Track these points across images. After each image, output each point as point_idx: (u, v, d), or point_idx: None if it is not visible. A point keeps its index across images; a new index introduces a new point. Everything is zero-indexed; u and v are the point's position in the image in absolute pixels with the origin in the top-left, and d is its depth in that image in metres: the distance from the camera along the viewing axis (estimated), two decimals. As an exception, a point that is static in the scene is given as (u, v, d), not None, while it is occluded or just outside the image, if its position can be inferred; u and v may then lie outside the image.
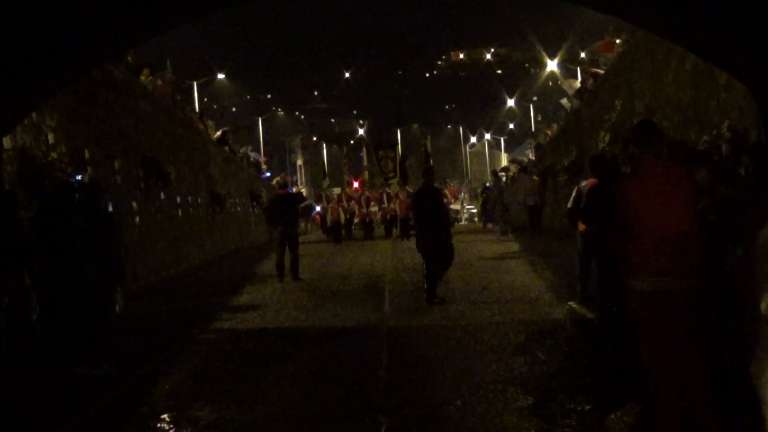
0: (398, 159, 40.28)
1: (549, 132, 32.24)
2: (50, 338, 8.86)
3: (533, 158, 35.88)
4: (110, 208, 13.58)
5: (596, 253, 9.86)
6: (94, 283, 8.71)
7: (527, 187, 28.14)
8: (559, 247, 18.14)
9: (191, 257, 21.09)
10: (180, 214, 20.72)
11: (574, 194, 11.24)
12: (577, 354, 8.46)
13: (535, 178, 28.29)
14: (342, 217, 29.90)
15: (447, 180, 45.95)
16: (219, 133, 31.12)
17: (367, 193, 33.65)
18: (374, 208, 31.69)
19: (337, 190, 36.17)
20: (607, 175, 9.23)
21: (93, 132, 14.47)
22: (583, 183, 10.92)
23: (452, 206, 37.07)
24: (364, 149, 45.54)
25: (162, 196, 18.81)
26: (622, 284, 5.66)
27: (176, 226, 20.06)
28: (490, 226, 30.36)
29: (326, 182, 43.49)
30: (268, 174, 43.02)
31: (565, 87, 28.28)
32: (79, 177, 12.91)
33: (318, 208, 34.59)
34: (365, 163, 43.80)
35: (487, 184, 34.43)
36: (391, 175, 40.06)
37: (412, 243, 22.19)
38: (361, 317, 11.79)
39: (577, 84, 26.34)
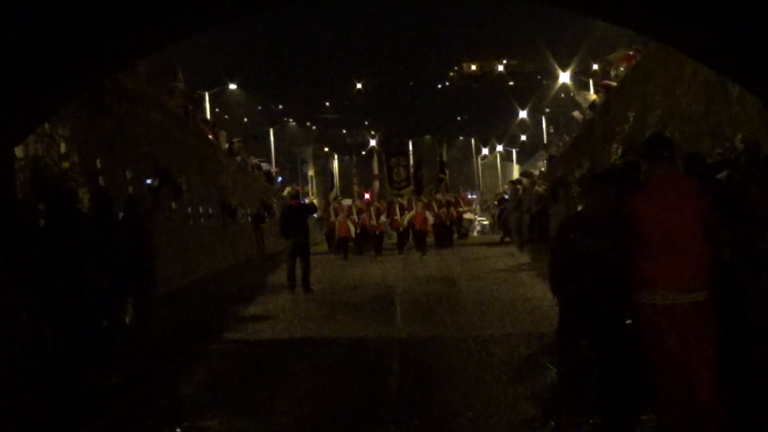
0: (411, 168, 39.65)
1: (561, 144, 32.21)
2: (60, 348, 8.88)
3: (543, 170, 35.83)
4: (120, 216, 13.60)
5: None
6: (103, 293, 8.72)
7: (532, 198, 27.97)
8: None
9: (202, 267, 21.13)
10: (191, 224, 20.76)
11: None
12: (589, 367, 8.42)
13: (537, 188, 28.14)
14: (352, 231, 28.44)
15: (460, 187, 45.10)
16: (230, 143, 31.24)
17: (376, 203, 32.91)
18: (384, 219, 30.40)
19: (347, 202, 35.45)
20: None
21: (105, 142, 14.53)
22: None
23: (466, 216, 36.71)
24: (375, 158, 44.31)
25: (173, 205, 18.86)
26: (632, 298, 5.63)
27: (187, 236, 20.10)
28: (508, 239, 29.84)
29: (334, 193, 42.43)
30: (280, 179, 42.74)
31: (578, 99, 28.21)
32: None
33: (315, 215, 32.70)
34: (376, 171, 42.54)
35: (505, 196, 33.99)
36: (403, 184, 38.98)
37: (426, 256, 22.24)
38: (373, 328, 11.78)
39: (591, 96, 26.31)
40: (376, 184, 41.53)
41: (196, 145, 22.96)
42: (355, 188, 41.83)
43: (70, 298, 8.57)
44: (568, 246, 6.25)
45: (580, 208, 10.32)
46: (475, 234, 45.09)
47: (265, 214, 32.50)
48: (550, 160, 33.42)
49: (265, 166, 42.05)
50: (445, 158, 40.82)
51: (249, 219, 28.39)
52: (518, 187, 27.82)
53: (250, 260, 26.75)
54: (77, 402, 7.92)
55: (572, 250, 6.19)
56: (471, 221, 41.05)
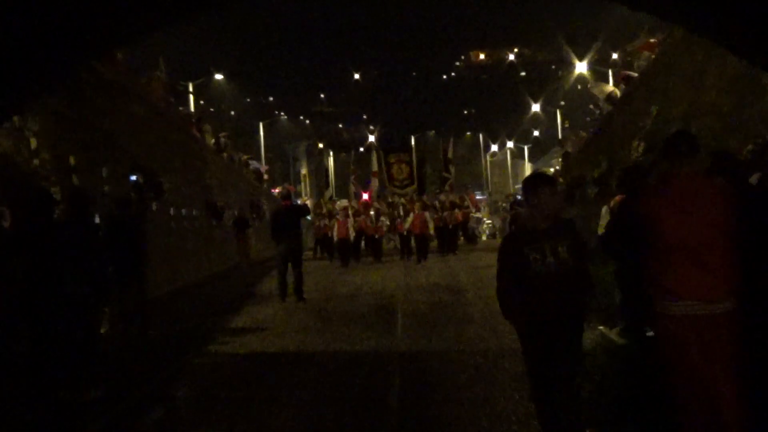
0: (414, 166, 39.33)
1: (577, 139, 32.21)
2: (34, 362, 8.89)
3: (558, 169, 35.82)
4: (97, 220, 13.63)
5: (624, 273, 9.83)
6: (82, 302, 8.73)
7: None
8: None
9: (186, 274, 21.15)
10: (173, 226, 20.79)
11: (603, 213, 11.18)
12: (608, 383, 8.44)
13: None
14: (351, 234, 28.00)
15: (468, 187, 44.50)
16: (216, 139, 31.28)
17: (375, 204, 32.57)
18: (384, 221, 30.38)
19: (343, 203, 35.11)
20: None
21: (79, 137, 14.55)
22: (612, 202, 10.83)
23: (474, 215, 36.47)
24: (374, 154, 43.76)
25: (154, 207, 18.87)
26: (652, 309, 5.62)
27: (169, 240, 20.12)
28: None
29: (329, 193, 42.17)
30: (277, 191, 42.31)
31: (595, 91, 28.31)
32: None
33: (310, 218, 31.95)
34: (374, 169, 41.90)
35: (518, 197, 33.67)
36: (405, 183, 38.47)
37: (429, 263, 22.19)
38: (371, 341, 11.80)
39: (609, 88, 26.37)
40: (375, 182, 41.11)
41: (179, 140, 22.99)
42: (352, 188, 41.35)
43: (45, 308, 8.57)
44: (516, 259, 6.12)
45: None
46: (484, 238, 44.92)
47: (254, 215, 32.46)
48: (566, 157, 33.47)
49: (254, 163, 42.09)
50: (450, 155, 40.56)
51: (232, 223, 27.71)
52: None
53: (238, 266, 26.76)
54: (52, 420, 7.94)
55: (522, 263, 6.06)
56: (479, 220, 40.58)
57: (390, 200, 33.93)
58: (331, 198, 38.77)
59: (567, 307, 6.03)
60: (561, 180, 28.26)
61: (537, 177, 6.50)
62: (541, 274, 5.95)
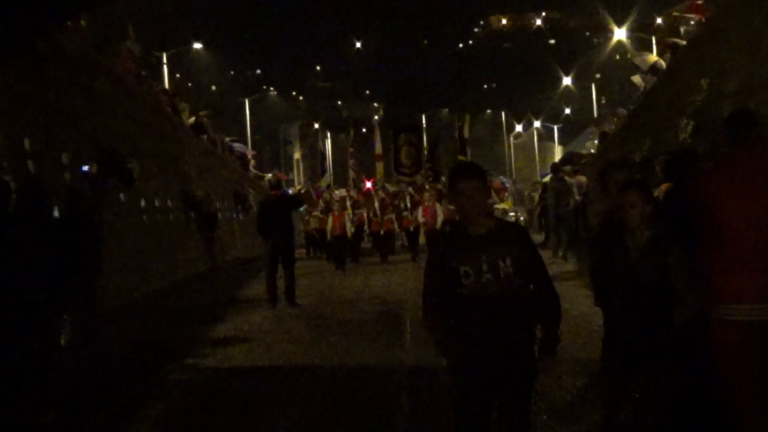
0: (425, 148, 38.77)
1: (615, 118, 32.17)
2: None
3: (594, 152, 35.75)
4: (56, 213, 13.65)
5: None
6: (37, 308, 8.73)
7: (571, 190, 27.38)
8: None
9: (159, 276, 21.18)
10: (145, 220, 20.81)
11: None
12: (648, 405, 8.41)
13: (579, 177, 27.66)
14: (349, 230, 27.28)
15: (492, 172, 42.48)
16: (195, 118, 31.30)
17: (381, 193, 31.78)
18: (390, 214, 29.38)
19: (341, 192, 34.52)
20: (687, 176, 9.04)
21: (36, 118, 14.57)
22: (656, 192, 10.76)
23: (498, 206, 35.53)
24: (377, 134, 42.72)
25: (122, 198, 18.90)
26: (705, 313, 5.56)
27: (140, 236, 20.16)
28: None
29: (325, 180, 41.37)
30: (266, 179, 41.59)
31: (637, 61, 28.19)
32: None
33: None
34: (378, 151, 40.82)
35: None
36: (414, 169, 37.70)
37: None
38: (375, 353, 11.81)
39: (653, 57, 26.28)
40: (380, 168, 40.18)
41: (152, 121, 23.01)
42: (351, 174, 40.47)
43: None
44: (615, 242, 6.09)
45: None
46: None
47: (239, 208, 32.44)
48: (602, 139, 33.42)
49: (238, 147, 42.08)
50: (467, 136, 39.82)
51: (196, 220, 26.44)
52: (559, 175, 26.93)
53: (222, 266, 26.80)
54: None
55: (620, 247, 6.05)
56: (503, 212, 39.55)
57: (392, 189, 32.61)
58: (328, 187, 37.95)
59: (510, 343, 5.30)
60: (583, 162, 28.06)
61: (459, 167, 5.76)
62: (477, 296, 5.26)
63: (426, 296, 5.48)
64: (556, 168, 27.86)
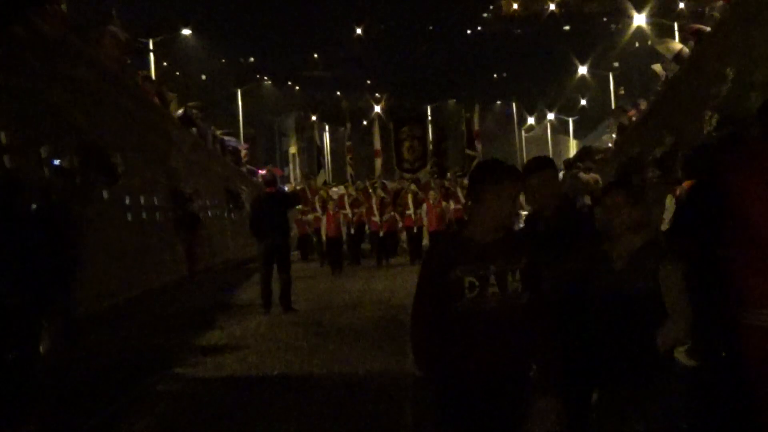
0: (430, 142, 38.25)
1: (634, 110, 32.12)
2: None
3: (611, 146, 35.70)
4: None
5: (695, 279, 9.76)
6: (12, 314, 8.72)
7: (578, 189, 27.10)
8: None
9: (145, 279, 21.16)
10: (130, 219, 20.80)
11: (668, 204, 11.11)
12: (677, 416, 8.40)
13: (585, 175, 27.45)
14: (344, 231, 27.46)
15: None
16: (183, 109, 31.29)
17: (381, 191, 31.50)
18: (390, 213, 29.06)
19: (338, 190, 34.11)
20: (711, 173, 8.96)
21: (11, 108, 14.55)
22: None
23: None
24: (377, 126, 41.91)
25: (105, 195, 18.87)
26: (737, 320, 5.51)
27: (125, 236, 20.14)
28: None
29: (321, 176, 40.70)
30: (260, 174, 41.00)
31: (660, 49, 28.06)
32: None
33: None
34: (377, 147, 40.01)
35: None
36: (418, 164, 37.12)
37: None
38: (378, 362, 11.80)
39: (678, 45, 26.20)
40: (378, 163, 39.49)
41: (137, 112, 22.99)
42: (349, 170, 40.08)
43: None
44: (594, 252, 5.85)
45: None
46: None
47: (230, 206, 32.36)
48: (620, 132, 33.38)
49: (230, 140, 42.07)
50: (476, 126, 39.29)
51: (175, 221, 25.21)
52: (573, 171, 26.76)
53: (213, 268, 26.78)
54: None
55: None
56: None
57: (392, 186, 31.95)
58: (325, 183, 37.53)
59: (509, 366, 5.04)
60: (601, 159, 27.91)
61: (492, 165, 5.25)
62: (477, 312, 4.94)
63: (417, 314, 5.16)
64: (569, 165, 27.75)
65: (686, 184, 9.97)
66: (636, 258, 5.56)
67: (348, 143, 42.97)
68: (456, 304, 4.94)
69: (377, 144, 39.81)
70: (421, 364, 5.18)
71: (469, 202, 5.22)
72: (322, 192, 30.69)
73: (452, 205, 28.27)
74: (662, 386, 5.47)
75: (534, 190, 5.95)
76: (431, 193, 27.83)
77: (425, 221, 27.53)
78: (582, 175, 26.16)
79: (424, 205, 27.83)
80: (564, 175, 27.40)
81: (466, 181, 31.45)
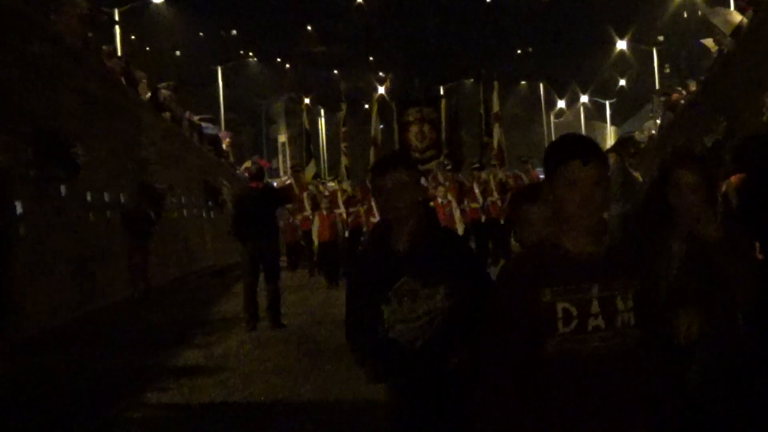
0: (443, 127, 37.40)
1: (682, 91, 32.14)
2: None
3: (654, 133, 35.71)
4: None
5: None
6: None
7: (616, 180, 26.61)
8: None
9: (112, 289, 21.20)
10: (93, 219, 20.82)
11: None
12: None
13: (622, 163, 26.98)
14: (340, 234, 26.98)
15: (529, 160, 38.99)
16: (154, 91, 31.36)
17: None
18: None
19: (333, 185, 33.98)
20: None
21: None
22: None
23: None
24: (375, 109, 40.62)
25: (63, 190, 18.91)
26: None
27: (86, 238, 20.18)
28: None
29: (311, 169, 39.53)
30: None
31: (716, 21, 27.94)
32: None
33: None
34: (374, 132, 38.48)
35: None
36: (430, 152, 35.85)
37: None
38: (380, 386, 11.82)
39: (737, 16, 26.11)
40: (372, 152, 37.86)
41: (101, 94, 23.04)
42: (344, 161, 38.91)
43: None
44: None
45: None
46: None
47: (209, 203, 32.32)
48: (665, 118, 33.40)
49: (209, 127, 42.09)
50: (496, 109, 37.98)
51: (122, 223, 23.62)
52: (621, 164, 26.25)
53: (189, 277, 26.80)
54: None
55: None
56: None
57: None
58: (316, 177, 36.71)
59: None
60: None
61: (559, 140, 4.43)
62: (573, 355, 3.95)
63: (490, 370, 4.08)
64: (618, 148, 27.38)
65: (735, 178, 9.91)
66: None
67: (343, 129, 40.43)
68: (544, 345, 3.94)
69: (374, 131, 38.21)
70: None
71: (551, 196, 4.14)
72: (312, 188, 30.43)
73: (471, 205, 28.11)
74: None
75: (385, 195, 5.31)
76: (440, 189, 27.42)
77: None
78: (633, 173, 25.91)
79: (431, 203, 27.18)
80: (614, 166, 26.94)
81: (484, 175, 31.26)
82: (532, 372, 3.92)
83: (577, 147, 4.09)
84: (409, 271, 4.80)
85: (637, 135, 41.88)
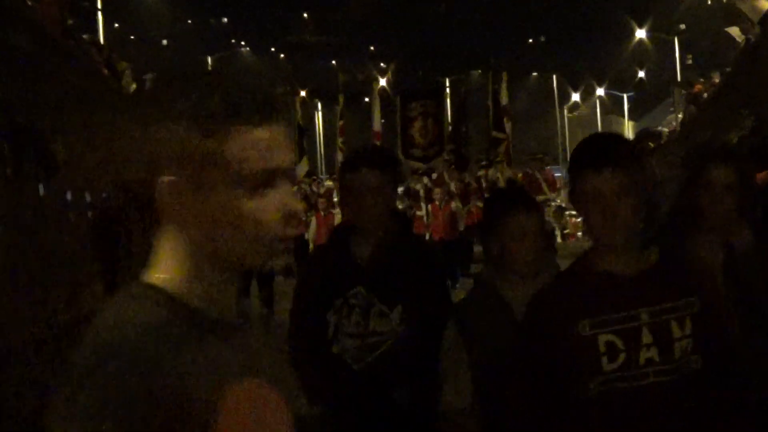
0: (447, 120, 37.04)
1: (706, 83, 32.13)
2: None
3: (677, 128, 35.69)
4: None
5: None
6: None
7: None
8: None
9: (92, 298, 21.15)
10: (73, 220, 20.81)
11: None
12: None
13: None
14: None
15: (543, 157, 37.73)
16: (139, 82, 31.37)
17: None
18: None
19: (329, 184, 33.55)
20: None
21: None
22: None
23: (555, 203, 33.76)
24: (376, 104, 40.27)
25: (41, 190, 18.89)
26: None
27: (66, 242, 20.16)
28: None
29: (304, 164, 38.74)
30: None
31: (744, 8, 27.90)
32: None
33: None
34: (375, 128, 38.09)
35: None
36: (434, 149, 35.41)
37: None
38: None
39: (765, 3, 26.06)
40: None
41: (82, 85, 23.03)
42: (340, 156, 38.16)
43: None
44: None
45: None
46: (559, 239, 42.39)
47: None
48: (687, 112, 33.38)
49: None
50: (505, 101, 37.52)
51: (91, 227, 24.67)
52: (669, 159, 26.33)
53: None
54: None
55: None
56: (559, 210, 37.36)
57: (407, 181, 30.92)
58: (310, 175, 36.19)
59: None
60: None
61: (585, 142, 4.10)
62: (623, 396, 3.66)
63: (528, 407, 3.88)
64: (642, 138, 27.36)
65: (762, 175, 9.84)
66: (749, 257, 5.12)
67: (340, 122, 41.12)
68: (586, 386, 3.70)
69: (376, 125, 37.90)
70: None
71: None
72: (305, 186, 30.27)
73: (477, 204, 27.83)
74: None
75: (353, 196, 5.19)
76: (437, 190, 27.38)
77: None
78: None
79: (429, 207, 27.29)
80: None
81: (491, 173, 31.07)
82: (574, 418, 3.69)
83: (589, 153, 3.87)
84: (366, 281, 4.68)
85: (660, 129, 41.85)
